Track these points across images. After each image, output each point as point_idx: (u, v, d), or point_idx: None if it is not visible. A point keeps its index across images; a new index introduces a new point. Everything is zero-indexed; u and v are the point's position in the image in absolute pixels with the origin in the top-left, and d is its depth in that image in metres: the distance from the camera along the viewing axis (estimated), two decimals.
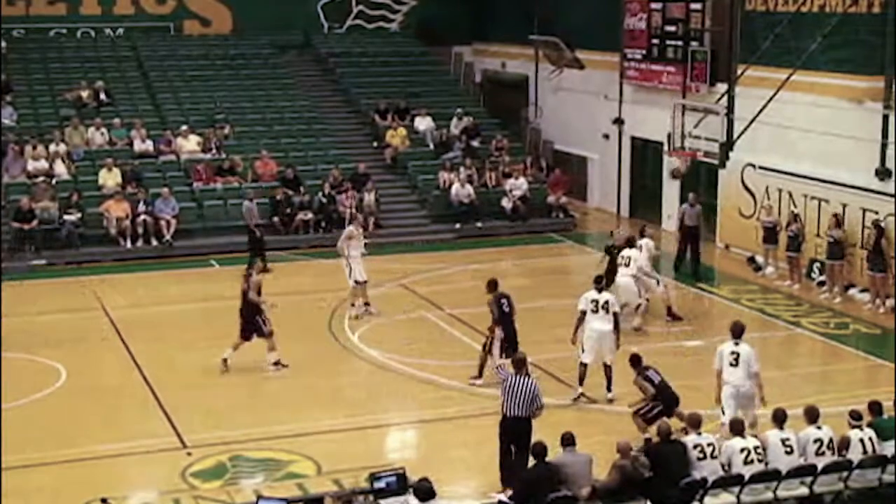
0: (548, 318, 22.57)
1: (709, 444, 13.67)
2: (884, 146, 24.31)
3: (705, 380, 19.97)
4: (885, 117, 24.23)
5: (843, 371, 20.67)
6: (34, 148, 30.31)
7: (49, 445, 16.33)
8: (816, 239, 25.32)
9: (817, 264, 25.41)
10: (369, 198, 30.45)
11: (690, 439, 13.70)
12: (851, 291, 24.47)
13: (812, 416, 14.10)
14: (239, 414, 17.96)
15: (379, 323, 22.69)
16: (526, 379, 14.69)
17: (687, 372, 20.39)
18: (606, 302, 18.25)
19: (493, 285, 19.06)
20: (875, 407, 14.55)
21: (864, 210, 24.41)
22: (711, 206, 29.26)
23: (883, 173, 24.31)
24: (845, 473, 13.74)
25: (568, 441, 13.58)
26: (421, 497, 12.16)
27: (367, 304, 23.17)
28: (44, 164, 29.99)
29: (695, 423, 13.90)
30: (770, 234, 26.14)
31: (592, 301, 18.22)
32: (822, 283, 25.08)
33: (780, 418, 14.01)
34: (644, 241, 22.73)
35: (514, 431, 14.59)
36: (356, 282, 22.86)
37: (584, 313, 18.21)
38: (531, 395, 14.57)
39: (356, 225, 23.78)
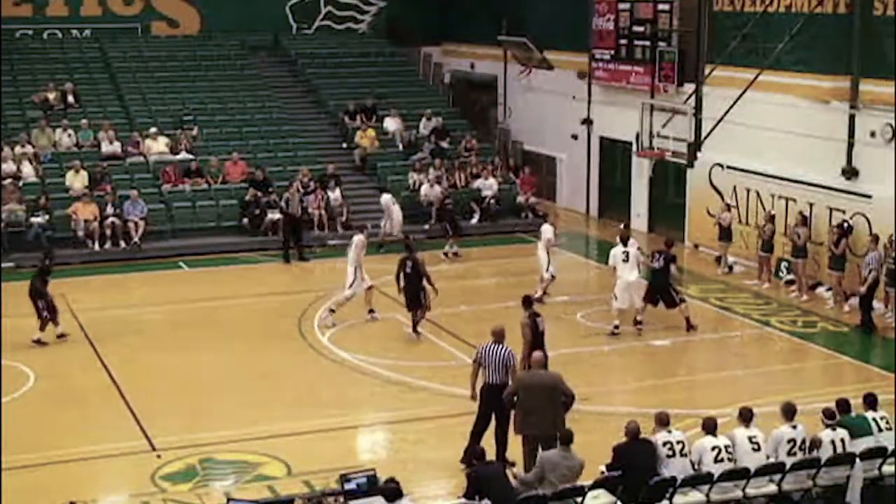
0: (516, 317, 22.61)
1: (678, 442, 13.67)
2: (850, 145, 24.50)
3: (673, 378, 20.18)
4: (851, 117, 24.42)
5: (812, 369, 20.81)
6: (0, 150, 30.08)
7: (16, 449, 16.16)
8: (784, 238, 25.47)
9: (785, 263, 25.57)
10: (338, 198, 30.38)
11: (660, 437, 13.68)
12: (819, 290, 24.64)
13: (788, 413, 14.08)
14: (209, 416, 17.86)
15: (349, 325, 22.65)
16: (499, 348, 15.38)
17: (654, 371, 20.52)
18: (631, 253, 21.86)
19: None
20: (843, 405, 14.60)
21: (831, 209, 24.61)
22: (680, 206, 29.43)
23: (849, 172, 24.50)
24: (813, 471, 13.79)
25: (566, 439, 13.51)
26: (389, 497, 12.15)
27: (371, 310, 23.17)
28: (11, 166, 29.77)
29: (663, 421, 13.89)
30: (724, 232, 26.50)
31: (623, 252, 21.74)
32: (791, 283, 25.24)
33: (746, 416, 14.05)
34: (544, 227, 25.16)
35: (491, 398, 15.26)
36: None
37: (615, 268, 21.83)
38: (508, 363, 15.30)
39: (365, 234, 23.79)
